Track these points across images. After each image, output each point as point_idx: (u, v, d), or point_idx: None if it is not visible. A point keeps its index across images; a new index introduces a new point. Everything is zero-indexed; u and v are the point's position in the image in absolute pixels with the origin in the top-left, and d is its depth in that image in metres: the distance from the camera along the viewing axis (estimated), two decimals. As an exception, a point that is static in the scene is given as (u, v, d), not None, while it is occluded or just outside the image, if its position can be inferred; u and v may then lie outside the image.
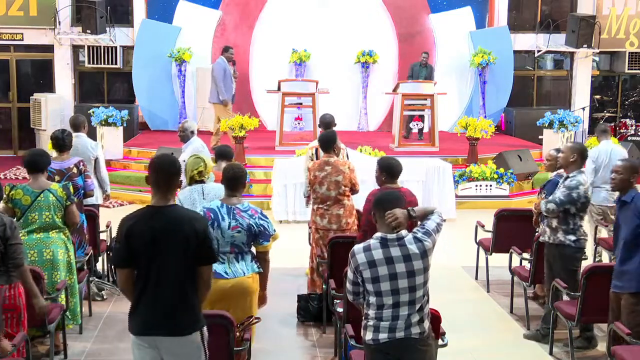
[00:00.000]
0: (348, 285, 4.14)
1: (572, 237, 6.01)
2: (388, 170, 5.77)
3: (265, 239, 4.98)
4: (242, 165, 5.45)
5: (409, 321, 3.96)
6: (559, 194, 6.00)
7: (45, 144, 13.17)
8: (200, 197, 5.60)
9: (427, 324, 4.04)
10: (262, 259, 5.06)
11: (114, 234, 7.82)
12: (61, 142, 6.91)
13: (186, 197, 5.64)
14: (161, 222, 3.85)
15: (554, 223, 6.08)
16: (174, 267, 3.85)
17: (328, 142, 6.90)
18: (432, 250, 4.04)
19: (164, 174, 3.92)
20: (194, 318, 3.93)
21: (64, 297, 5.71)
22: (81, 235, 6.75)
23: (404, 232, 4.02)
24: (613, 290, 5.28)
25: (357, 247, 4.05)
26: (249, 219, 4.91)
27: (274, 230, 5.07)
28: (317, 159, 7.63)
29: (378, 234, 4.03)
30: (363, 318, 4.10)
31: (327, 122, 7.84)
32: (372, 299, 4.00)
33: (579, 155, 6.08)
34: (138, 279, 3.89)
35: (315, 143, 7.88)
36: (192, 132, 7.88)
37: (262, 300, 5.21)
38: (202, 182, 5.71)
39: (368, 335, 4.04)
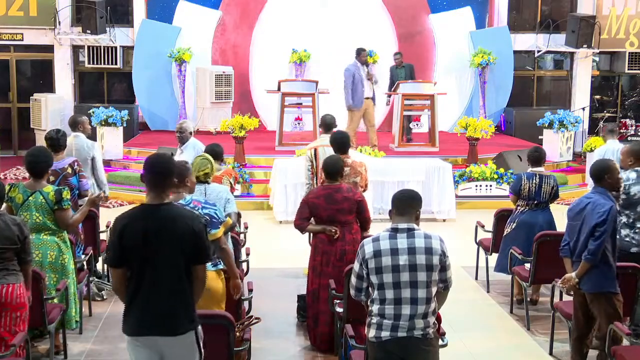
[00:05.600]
0: (352, 279, 4.18)
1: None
2: (325, 170, 5.96)
3: (213, 226, 4.86)
4: (170, 157, 5.05)
5: (412, 322, 3.97)
6: None
7: (45, 144, 13.18)
8: (202, 197, 5.60)
9: (432, 327, 4.05)
10: (218, 249, 4.96)
11: (114, 234, 7.82)
12: (55, 142, 6.88)
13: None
14: (154, 220, 3.84)
15: None
16: (168, 266, 3.83)
17: (343, 143, 6.88)
18: (440, 253, 4.02)
19: (158, 173, 3.92)
20: (189, 317, 3.91)
21: (61, 298, 5.70)
22: (76, 235, 6.72)
23: (415, 225, 4.09)
24: None
25: (367, 239, 4.15)
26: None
27: (225, 217, 5.00)
28: (315, 160, 7.60)
29: (389, 225, 4.12)
30: (367, 315, 4.13)
31: (328, 123, 7.80)
32: (375, 293, 4.04)
33: (635, 157, 6.06)
34: (131, 279, 3.87)
35: (314, 144, 7.84)
36: (191, 133, 7.87)
37: (237, 288, 5.10)
38: (206, 182, 5.71)
39: (371, 333, 4.06)
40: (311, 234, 7.78)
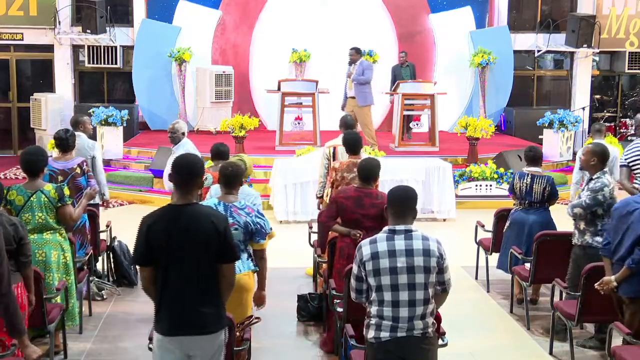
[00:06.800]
0: (352, 282, 4.15)
1: (599, 239, 5.92)
2: (360, 174, 5.90)
3: (261, 237, 5.00)
4: (239, 162, 5.44)
5: (411, 324, 3.97)
6: (584, 197, 6.00)
7: (45, 144, 13.16)
8: (256, 206, 5.56)
9: (431, 327, 4.05)
10: (258, 257, 5.08)
11: (114, 234, 7.83)
12: (64, 142, 6.89)
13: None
14: (180, 220, 3.84)
15: (582, 225, 6.09)
16: (195, 265, 3.85)
17: (355, 143, 6.85)
18: (437, 255, 4.01)
19: (185, 174, 3.92)
20: (218, 316, 3.94)
21: (61, 298, 5.70)
22: (83, 236, 6.74)
23: (413, 227, 4.07)
24: None
25: (364, 241, 4.11)
26: (246, 216, 4.94)
27: (270, 229, 5.10)
28: (334, 159, 7.54)
29: (386, 227, 4.09)
30: (366, 316, 4.12)
31: (349, 124, 7.78)
32: (373, 295, 4.03)
33: (599, 158, 6.07)
34: (159, 279, 3.89)
35: (333, 142, 7.79)
36: (183, 134, 7.85)
37: (261, 300, 5.18)
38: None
39: (370, 334, 4.05)
40: (311, 235, 7.83)
